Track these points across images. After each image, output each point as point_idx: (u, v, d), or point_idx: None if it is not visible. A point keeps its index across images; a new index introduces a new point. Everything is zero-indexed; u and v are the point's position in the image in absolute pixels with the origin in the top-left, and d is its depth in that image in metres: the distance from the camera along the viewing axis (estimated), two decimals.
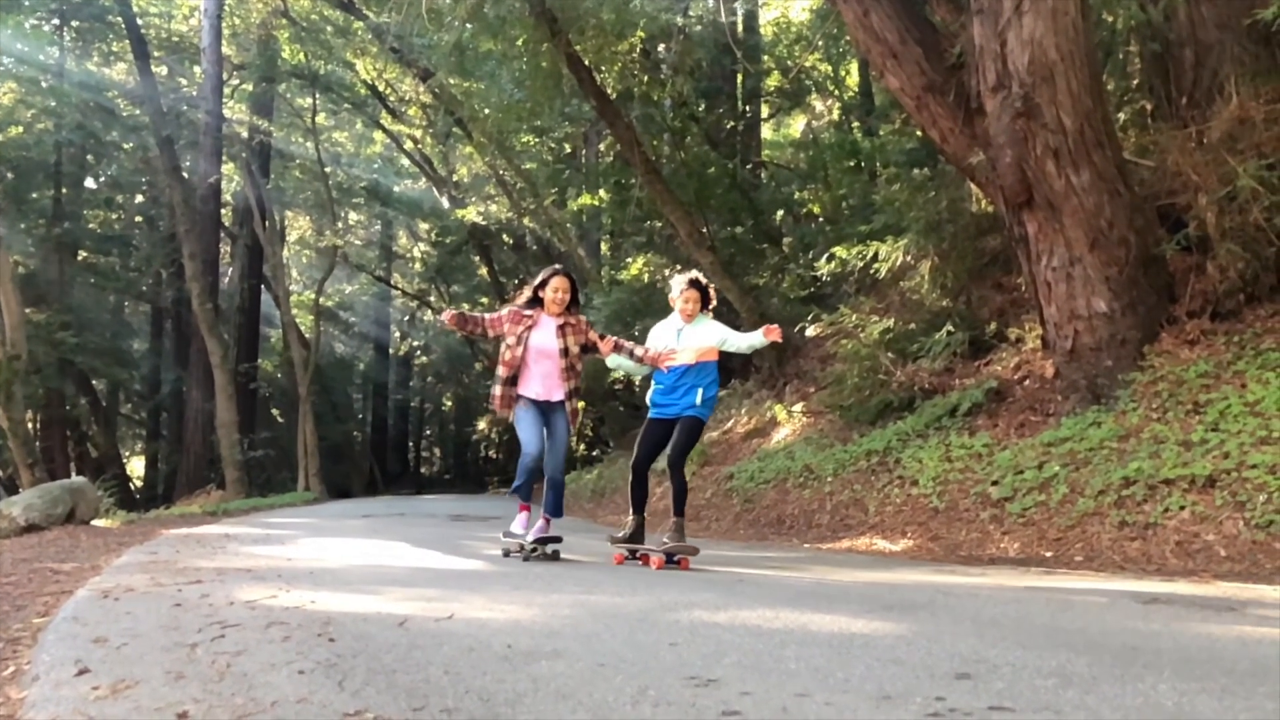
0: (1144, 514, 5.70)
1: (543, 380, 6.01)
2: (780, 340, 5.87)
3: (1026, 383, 8.43)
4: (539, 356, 6.00)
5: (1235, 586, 4.34)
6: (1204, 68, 7.88)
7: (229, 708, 2.18)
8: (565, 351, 6.02)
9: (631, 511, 6.03)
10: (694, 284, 5.95)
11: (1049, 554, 5.87)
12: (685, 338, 5.87)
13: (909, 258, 10.17)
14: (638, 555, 5.87)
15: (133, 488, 26.78)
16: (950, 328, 9.56)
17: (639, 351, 6.03)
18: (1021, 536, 6.31)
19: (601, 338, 6.32)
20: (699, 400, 5.78)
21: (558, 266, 6.37)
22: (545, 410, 6.01)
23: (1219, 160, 7.05)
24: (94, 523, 9.23)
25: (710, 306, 6.07)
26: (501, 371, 6.09)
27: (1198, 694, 2.20)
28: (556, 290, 6.02)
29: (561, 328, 6.04)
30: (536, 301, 6.07)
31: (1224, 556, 5.06)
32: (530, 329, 6.02)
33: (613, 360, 6.32)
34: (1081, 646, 2.79)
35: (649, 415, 6.05)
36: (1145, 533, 5.60)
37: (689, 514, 11.02)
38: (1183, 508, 5.54)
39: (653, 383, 6.10)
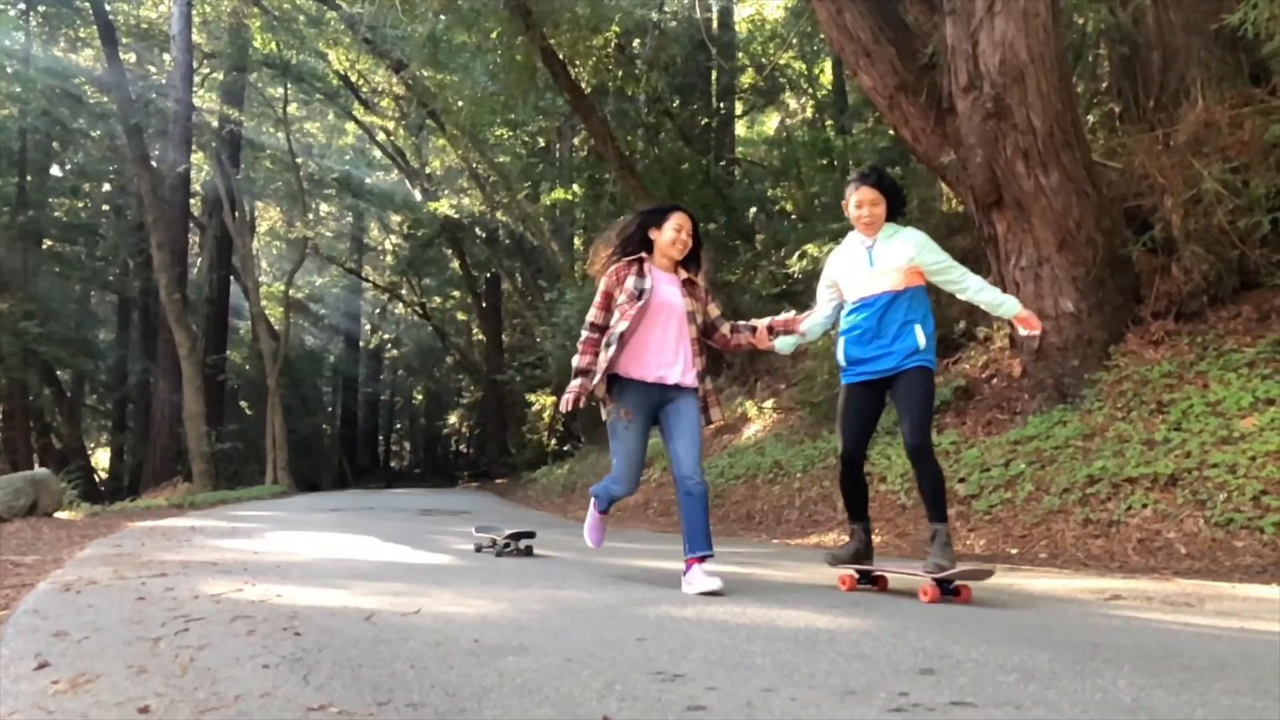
0: (1107, 512, 5.77)
1: (660, 354, 4.22)
2: (1038, 333, 4.44)
3: (994, 381, 8.50)
4: (661, 317, 4.23)
5: (1195, 584, 4.41)
6: (1171, 71, 7.98)
7: (191, 702, 2.16)
8: (693, 316, 4.30)
9: (849, 520, 4.42)
10: (870, 177, 4.22)
11: (1014, 551, 5.94)
12: (880, 256, 4.15)
13: None
14: (873, 578, 4.31)
15: (97, 480, 26.45)
16: None
17: (759, 324, 4.49)
18: (987, 533, 6.37)
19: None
20: (921, 342, 4.05)
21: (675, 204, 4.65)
22: (658, 402, 4.26)
23: (1185, 163, 7.15)
24: (57, 515, 9.11)
25: (903, 212, 4.37)
26: (589, 338, 4.30)
27: (1155, 689, 2.23)
28: (680, 229, 4.31)
29: (686, 285, 4.35)
30: (641, 247, 4.38)
31: (1184, 554, 5.14)
32: (640, 276, 4.26)
33: (783, 342, 4.58)
34: (1043, 642, 2.82)
35: (844, 380, 4.33)
36: (1108, 530, 5.67)
37: (661, 509, 11.11)
38: (1145, 506, 5.61)
39: (839, 331, 4.34)
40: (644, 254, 4.34)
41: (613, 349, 4.13)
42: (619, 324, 4.17)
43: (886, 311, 4.10)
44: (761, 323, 4.48)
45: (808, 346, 10.68)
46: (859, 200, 4.17)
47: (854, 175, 4.30)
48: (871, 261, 4.15)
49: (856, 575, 4.27)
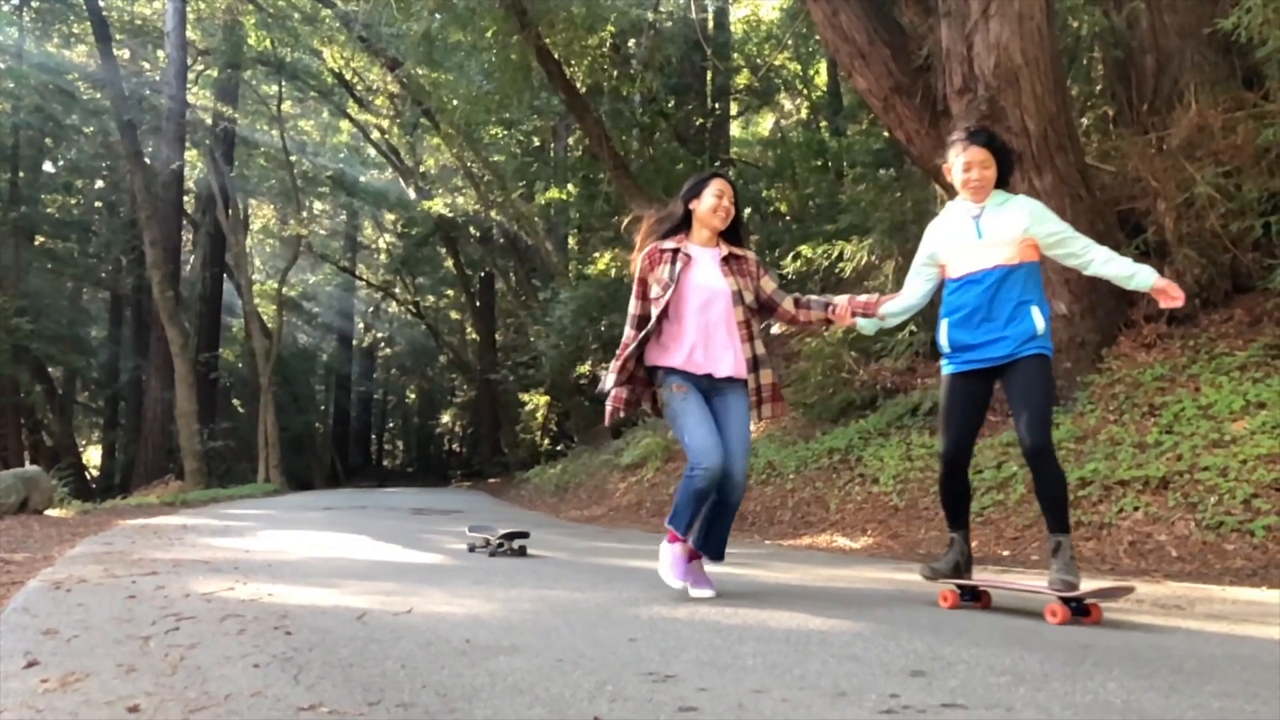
0: (1099, 514, 5.78)
1: (706, 341, 3.82)
2: (1180, 303, 3.53)
3: None
4: (700, 303, 3.82)
5: (1185, 586, 4.42)
6: (1165, 75, 8.00)
7: (181, 701, 2.16)
8: (739, 297, 3.86)
9: (949, 527, 3.87)
10: (979, 135, 3.71)
11: (1006, 553, 5.94)
12: (989, 227, 3.64)
13: (874, 257, 10.24)
14: (978, 594, 3.79)
15: (89, 477, 26.37)
16: (913, 327, 9.63)
17: (840, 302, 3.94)
18: (980, 535, 6.38)
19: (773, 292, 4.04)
20: (1039, 325, 3.53)
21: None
22: (707, 391, 3.86)
23: (1178, 166, 7.17)
24: (47, 513, 9.08)
25: (1011, 176, 3.84)
26: (629, 336, 3.92)
27: (1145, 691, 2.24)
28: (721, 195, 3.93)
29: (727, 261, 3.94)
30: (682, 227, 4.03)
31: (1175, 557, 5.15)
32: (680, 265, 3.87)
33: (866, 323, 4.05)
34: (1034, 644, 2.83)
35: (946, 370, 3.77)
36: (1100, 532, 5.68)
37: (654, 510, 11.10)
38: (1136, 508, 5.63)
39: (941, 313, 3.79)
40: (682, 233, 3.99)
41: (634, 347, 3.85)
42: (650, 319, 3.84)
43: (999, 290, 3.57)
44: (840, 299, 3.96)
45: (800, 346, 10.75)
46: (968, 161, 3.66)
47: (959, 134, 3.77)
48: (980, 233, 3.63)
49: (959, 591, 3.75)
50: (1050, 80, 7.17)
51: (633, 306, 3.95)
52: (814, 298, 4.03)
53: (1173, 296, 3.48)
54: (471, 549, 6.11)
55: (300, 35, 23.12)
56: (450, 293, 34.96)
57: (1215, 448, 5.68)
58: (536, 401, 25.63)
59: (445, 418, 41.77)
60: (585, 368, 19.74)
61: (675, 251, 3.90)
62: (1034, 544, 5.92)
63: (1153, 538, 5.40)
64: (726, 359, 3.82)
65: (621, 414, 3.98)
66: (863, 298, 3.94)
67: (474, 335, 32.77)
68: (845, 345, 9.92)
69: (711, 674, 2.40)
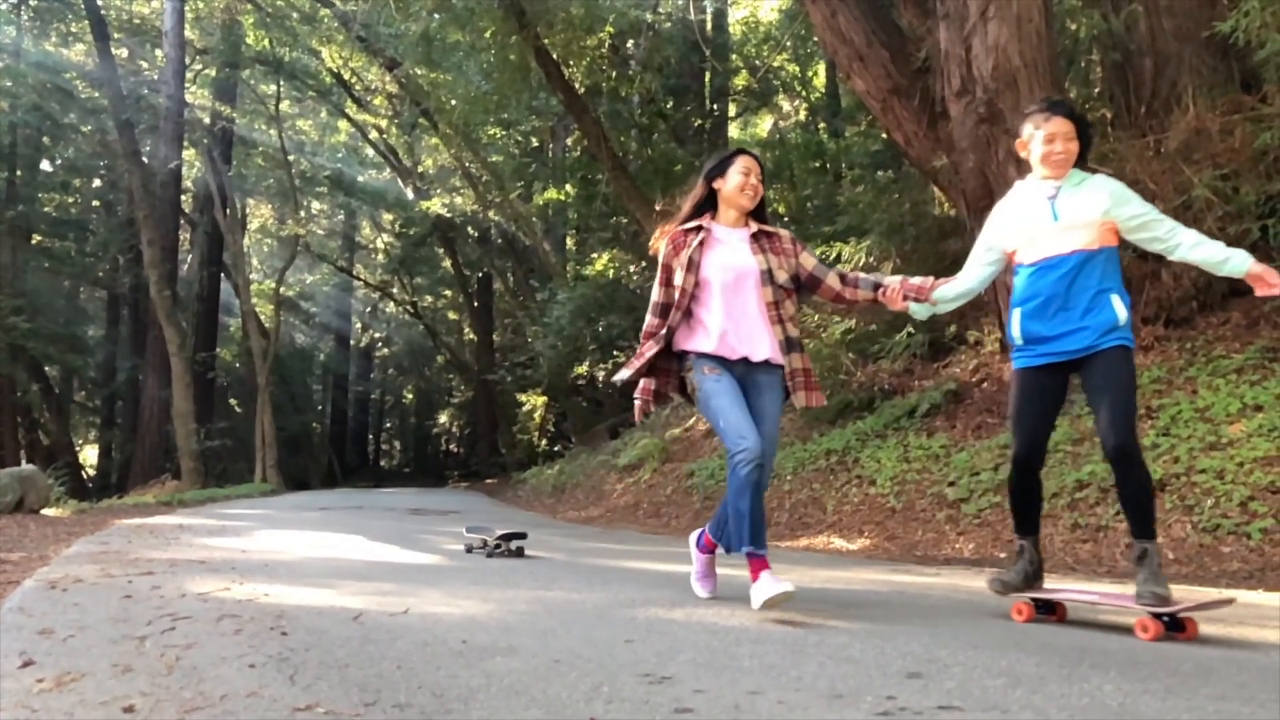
0: (1096, 516, 5.79)
1: (737, 325, 3.61)
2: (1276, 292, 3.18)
3: (984, 385, 8.52)
4: (728, 285, 3.62)
5: (1182, 589, 4.42)
6: (1163, 78, 8.01)
7: (177, 701, 2.15)
8: (769, 276, 3.65)
9: (1018, 534, 3.62)
10: (1061, 106, 3.44)
11: (1003, 555, 5.95)
12: (1066, 208, 3.36)
13: (872, 259, 10.24)
14: (1053, 607, 3.49)
15: (85, 476, 26.35)
16: (910, 329, 9.64)
17: (891, 283, 3.70)
18: (976, 537, 6.39)
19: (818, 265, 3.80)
20: (1121, 315, 3.27)
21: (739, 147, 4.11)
22: (741, 377, 3.63)
23: (1175, 169, 7.17)
24: (44, 512, 9.06)
25: (1090, 152, 3.58)
26: (651, 323, 3.76)
27: (1142, 694, 2.24)
28: (748, 172, 3.72)
29: (756, 239, 3.73)
30: (707, 207, 3.82)
31: (1172, 559, 5.16)
32: (703, 246, 3.69)
33: (918, 308, 3.79)
34: (1031, 647, 2.83)
35: (1018, 364, 3.54)
36: (1097, 535, 5.68)
37: (651, 511, 11.12)
38: None
39: (1012, 301, 3.56)
40: (707, 215, 3.77)
41: (658, 341, 3.66)
42: (673, 307, 3.66)
43: (1077, 277, 3.29)
44: (891, 280, 3.71)
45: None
46: (1050, 133, 3.36)
47: (1039, 105, 3.49)
48: (1055, 215, 3.35)
49: (1034, 604, 3.46)
50: (1048, 82, 7.18)
51: (656, 294, 3.76)
52: (863, 275, 3.79)
53: (1270, 284, 3.17)
54: (469, 550, 6.10)
55: (299, 35, 23.11)
56: (448, 293, 34.95)
57: (1212, 450, 5.68)
58: (534, 402, 25.63)
59: (442, 418, 41.76)
60: (583, 368, 19.75)
61: (700, 231, 3.70)
62: None
63: None
64: (763, 342, 3.60)
65: (651, 407, 3.81)
66: (916, 280, 3.69)
67: (472, 335, 32.78)
68: (843, 346, 9.93)
69: (708, 675, 2.40)
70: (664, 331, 3.66)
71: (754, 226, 3.74)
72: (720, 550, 3.84)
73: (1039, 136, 3.39)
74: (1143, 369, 6.87)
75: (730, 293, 3.60)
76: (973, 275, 3.71)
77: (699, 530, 3.98)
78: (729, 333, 3.58)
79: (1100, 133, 9.33)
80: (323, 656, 2.62)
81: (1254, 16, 6.29)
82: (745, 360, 3.60)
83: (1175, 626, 3.08)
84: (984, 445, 7.36)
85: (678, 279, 3.67)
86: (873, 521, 7.43)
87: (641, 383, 3.78)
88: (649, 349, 3.69)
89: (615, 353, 18.74)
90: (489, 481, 25.53)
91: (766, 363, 3.62)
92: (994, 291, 7.89)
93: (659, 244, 3.84)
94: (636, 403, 3.81)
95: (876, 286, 3.72)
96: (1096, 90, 10.15)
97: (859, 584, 4.63)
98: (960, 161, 7.56)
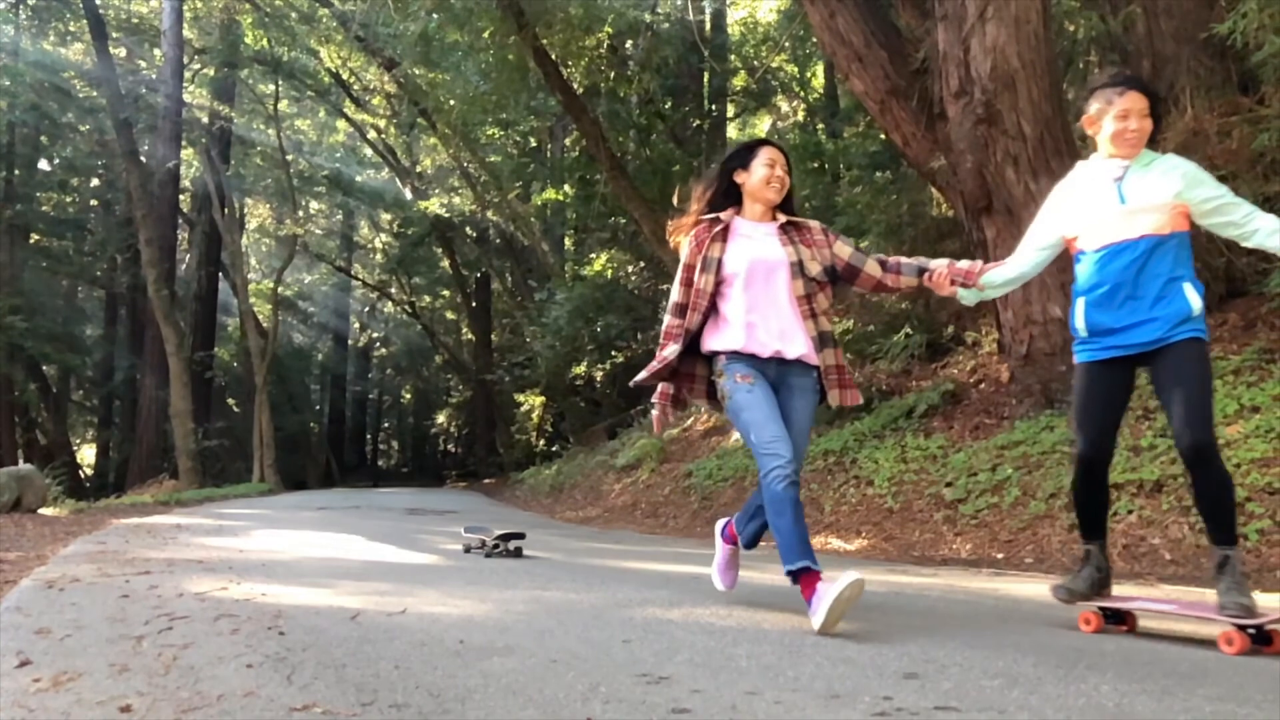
0: None
1: (764, 319, 3.39)
2: None
3: (982, 386, 8.53)
4: (756, 278, 3.40)
5: (1179, 589, 4.43)
6: (1161, 79, 8.01)
7: (173, 701, 2.15)
8: (800, 268, 3.42)
9: (1084, 538, 3.43)
10: (1135, 80, 3.26)
11: (1000, 555, 5.95)
12: (1134, 190, 3.15)
13: None
14: (1123, 617, 3.30)
15: (83, 476, 26.32)
16: (908, 330, 9.65)
17: (937, 267, 3.47)
18: (974, 538, 6.39)
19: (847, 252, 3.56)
20: (1194, 305, 3.05)
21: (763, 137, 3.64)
22: (774, 378, 3.41)
23: None
24: (41, 511, 9.06)
25: (1160, 133, 3.40)
26: (671, 324, 3.51)
27: (1138, 695, 2.24)
28: (773, 163, 3.52)
29: (785, 231, 3.52)
30: (729, 199, 3.61)
31: (1169, 560, 5.16)
32: (725, 240, 3.48)
33: (969, 295, 3.59)
34: (1028, 647, 2.83)
35: (1082, 358, 3.34)
36: None
37: (649, 511, 11.12)
38: (1130, 511, 5.64)
39: (1075, 289, 3.32)
40: (732, 210, 3.56)
41: (678, 343, 3.43)
42: (692, 309, 3.44)
43: (1145, 264, 3.07)
44: (937, 264, 3.48)
45: None
46: (1125, 109, 3.12)
47: (1109, 78, 3.28)
48: (1123, 198, 3.13)
49: (1103, 613, 3.26)
50: (1046, 84, 7.19)
51: (676, 293, 3.52)
52: (905, 260, 3.56)
53: None
54: (467, 550, 6.10)
55: (297, 34, 23.08)
56: (446, 293, 34.92)
57: None
58: (532, 402, 25.60)
59: (440, 418, 41.73)
60: (581, 368, 19.75)
61: (721, 224, 3.50)
62: (1028, 547, 5.93)
63: (1146, 540, 5.41)
64: (796, 338, 3.38)
65: (670, 416, 3.63)
66: (963, 263, 3.46)
67: (470, 335, 32.76)
68: (841, 347, 9.93)
69: (705, 676, 2.40)
70: (683, 333, 3.45)
71: (782, 219, 3.54)
72: (742, 547, 3.72)
73: (1112, 113, 3.16)
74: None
75: (759, 287, 3.38)
76: (1025, 260, 3.49)
77: (726, 519, 3.85)
78: (757, 327, 3.37)
79: None
80: (320, 656, 2.62)
81: (1252, 18, 6.30)
82: (778, 359, 3.38)
83: (1261, 639, 2.85)
84: (981, 446, 7.36)
85: (700, 282, 3.45)
86: (870, 522, 7.43)
87: (660, 387, 3.60)
88: (670, 350, 3.45)
89: (613, 353, 18.74)
90: (487, 481, 25.52)
91: (800, 362, 3.41)
92: None
93: (679, 240, 3.63)
94: (654, 410, 3.62)
95: (921, 271, 3.50)
96: None
97: None
98: (958, 162, 7.56)
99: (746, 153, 3.57)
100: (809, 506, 8.40)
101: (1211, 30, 7.02)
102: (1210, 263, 7.06)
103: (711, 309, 3.45)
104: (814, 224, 3.59)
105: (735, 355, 3.37)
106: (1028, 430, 7.09)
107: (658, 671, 2.45)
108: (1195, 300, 3.04)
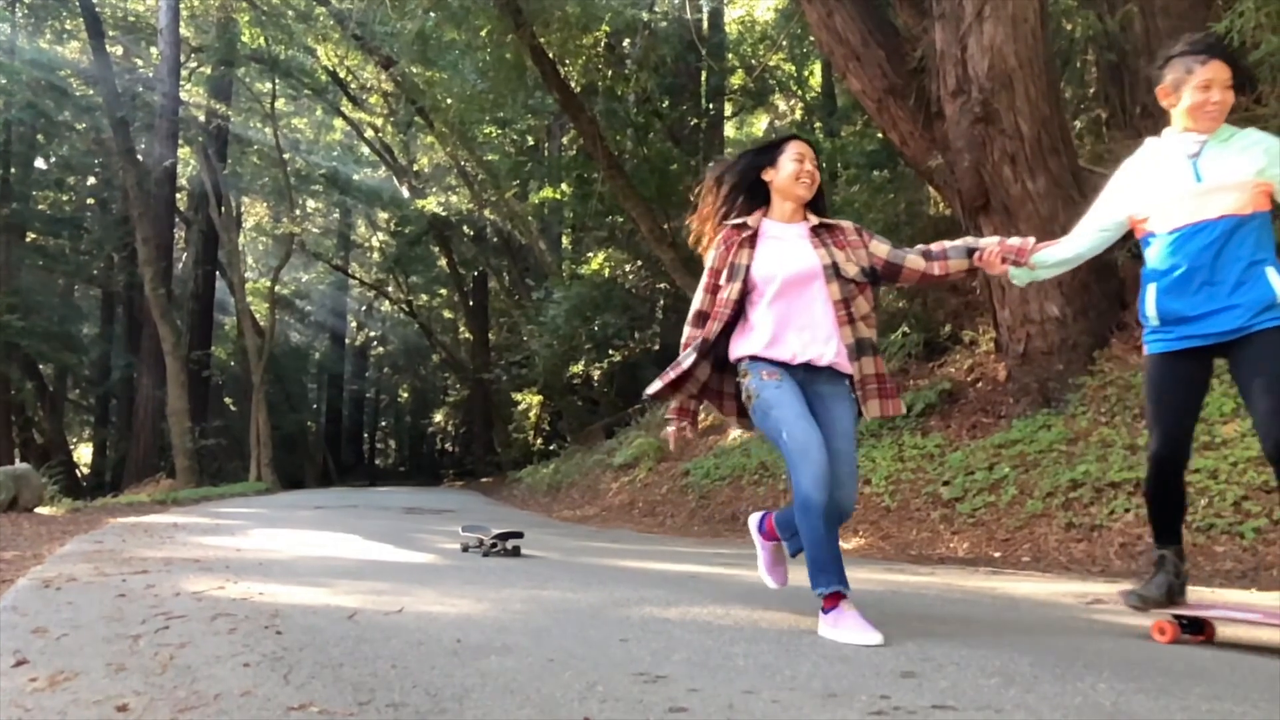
0: (1090, 516, 5.80)
1: (797, 326, 3.16)
2: None
3: (979, 385, 8.53)
4: (788, 284, 3.16)
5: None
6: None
7: (170, 701, 2.15)
8: (835, 271, 3.18)
9: (1157, 542, 3.22)
10: (1218, 48, 2.98)
11: (997, 554, 5.96)
12: (1211, 168, 2.91)
13: None
14: (1202, 626, 3.07)
15: (79, 475, 26.27)
16: (906, 329, 9.66)
17: (988, 245, 3.24)
18: (971, 536, 6.40)
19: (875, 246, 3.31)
20: (1278, 290, 2.81)
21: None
22: (804, 385, 3.14)
23: None
24: (37, 510, 9.05)
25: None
26: (689, 335, 3.31)
27: (1135, 694, 2.24)
28: (802, 158, 3.28)
29: (816, 233, 3.26)
30: (753, 201, 3.37)
31: None
32: (754, 245, 3.25)
33: (1021, 275, 3.34)
34: (1025, 646, 2.83)
35: (1153, 349, 3.05)
36: (1091, 534, 5.69)
37: (646, 510, 11.11)
38: (1128, 510, 5.64)
39: (1145, 273, 3.08)
40: (759, 210, 3.33)
41: (694, 350, 3.21)
42: (713, 320, 3.23)
43: (1225, 246, 2.83)
44: (988, 242, 3.25)
45: None
46: (1206, 80, 2.87)
47: (1189, 44, 2.99)
48: (1199, 175, 2.89)
49: (1179, 622, 3.03)
50: (1044, 83, 7.19)
51: (699, 301, 3.31)
52: (949, 244, 3.31)
53: None
54: (465, 549, 6.10)
55: (294, 33, 23.05)
56: (443, 292, 34.88)
57: (1206, 450, 5.69)
58: (529, 401, 25.59)
59: (438, 417, 41.70)
60: (578, 367, 19.74)
61: (754, 232, 3.26)
62: (1025, 546, 5.93)
63: (1144, 539, 5.41)
64: (829, 345, 3.14)
65: (689, 433, 3.40)
66: (1015, 240, 3.24)
67: (467, 334, 32.73)
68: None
69: (702, 675, 2.40)
70: (701, 342, 3.21)
71: (813, 220, 3.29)
72: (787, 549, 3.54)
73: (1191, 83, 2.90)
74: (1137, 368, 6.87)
75: (791, 293, 3.15)
76: (1083, 241, 3.24)
77: (760, 514, 3.65)
78: (786, 335, 3.14)
79: (1095, 133, 9.37)
80: (317, 655, 2.61)
81: (1249, 17, 6.30)
82: (807, 367, 3.14)
83: None
84: (978, 445, 7.37)
85: (725, 292, 3.22)
86: (867, 521, 7.44)
87: (674, 403, 3.37)
88: (686, 359, 3.21)
89: (611, 352, 18.73)
90: (484, 480, 25.52)
91: (831, 370, 3.16)
92: (988, 290, 7.90)
93: (707, 243, 3.41)
94: (671, 431, 3.39)
95: (970, 252, 3.26)
96: (1091, 90, 10.17)
97: (853, 583, 4.60)
98: (955, 161, 7.57)
99: (773, 148, 3.36)
100: None
101: (1209, 29, 7.02)
102: None
103: (739, 316, 3.23)
104: (846, 224, 3.35)
105: (757, 358, 3.17)
106: (1025, 429, 7.10)
107: (655, 670, 2.44)
108: (1276, 282, 2.82)
